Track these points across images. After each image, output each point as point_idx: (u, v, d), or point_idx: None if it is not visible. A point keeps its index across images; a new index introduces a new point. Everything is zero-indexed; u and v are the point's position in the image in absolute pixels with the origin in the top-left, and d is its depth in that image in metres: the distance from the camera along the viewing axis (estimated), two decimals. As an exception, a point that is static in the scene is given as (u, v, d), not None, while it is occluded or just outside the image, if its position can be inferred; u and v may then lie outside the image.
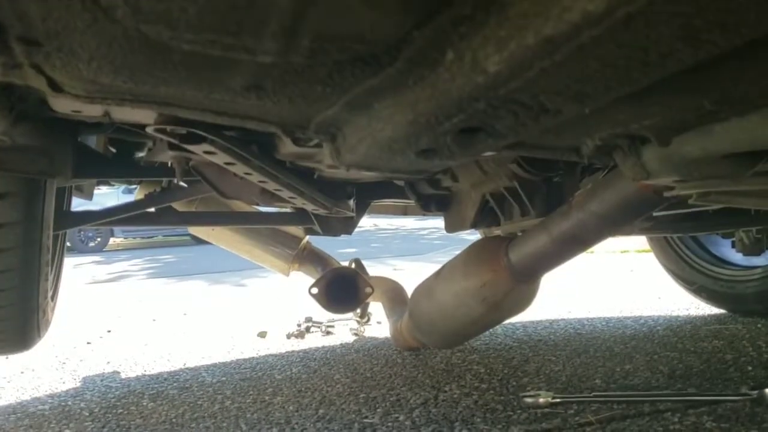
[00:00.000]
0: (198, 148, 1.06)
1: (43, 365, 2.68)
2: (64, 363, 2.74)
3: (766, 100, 0.70)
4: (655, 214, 1.82)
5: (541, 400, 1.59)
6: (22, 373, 2.54)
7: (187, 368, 2.50)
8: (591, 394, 1.64)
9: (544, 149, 0.96)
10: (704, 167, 0.87)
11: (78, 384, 2.33)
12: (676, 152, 0.84)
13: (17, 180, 1.36)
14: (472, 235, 2.59)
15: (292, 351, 2.72)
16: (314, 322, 3.31)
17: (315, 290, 2.37)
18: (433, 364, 2.19)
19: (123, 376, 2.43)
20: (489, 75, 0.55)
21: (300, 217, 2.11)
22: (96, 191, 2.28)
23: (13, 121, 1.07)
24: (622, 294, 3.88)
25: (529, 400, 1.61)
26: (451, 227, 2.05)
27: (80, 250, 13.02)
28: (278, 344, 2.92)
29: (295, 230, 2.61)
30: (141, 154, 1.83)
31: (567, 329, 2.75)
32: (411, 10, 0.52)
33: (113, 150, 1.87)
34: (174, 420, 1.75)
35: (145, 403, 1.96)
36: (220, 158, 1.12)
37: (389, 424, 1.58)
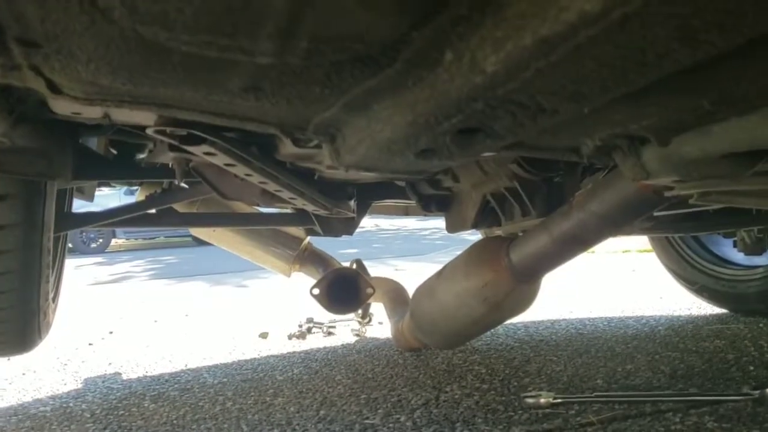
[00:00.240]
0: (198, 150, 1.06)
1: (44, 366, 2.69)
2: (65, 364, 2.74)
3: (764, 100, 0.70)
4: (655, 214, 1.82)
5: (543, 400, 1.59)
6: (23, 374, 2.55)
7: (188, 369, 2.50)
8: (592, 395, 1.63)
9: (543, 150, 0.96)
10: (704, 167, 0.87)
11: (79, 385, 2.33)
12: (676, 152, 0.84)
13: (17, 182, 1.36)
14: (474, 236, 2.58)
15: (294, 352, 2.72)
16: (316, 323, 3.31)
17: (316, 291, 2.36)
18: (435, 364, 2.19)
19: (124, 377, 2.43)
20: (487, 75, 0.55)
21: (301, 217, 2.11)
22: (98, 192, 2.28)
23: (13, 123, 1.07)
24: (623, 294, 3.88)
25: (530, 400, 1.61)
26: (452, 227, 2.05)
27: (82, 251, 13.04)
28: (280, 345, 2.92)
29: (296, 231, 2.62)
30: (142, 156, 1.83)
31: (569, 329, 2.75)
32: (408, 10, 0.52)
33: (114, 152, 1.87)
34: (175, 421, 1.75)
35: (146, 405, 1.96)
36: (220, 159, 1.12)
37: (390, 425, 1.58)
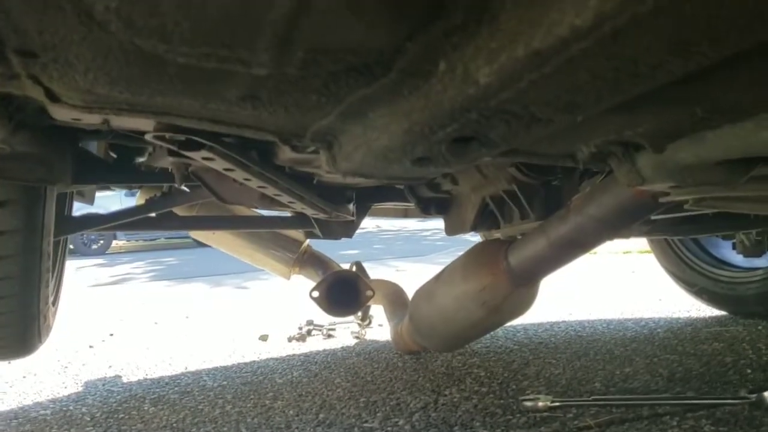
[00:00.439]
0: (197, 155, 1.06)
1: (45, 369, 2.69)
2: (66, 367, 2.74)
3: (757, 108, 0.70)
4: (654, 217, 1.82)
5: (540, 403, 1.59)
6: (24, 377, 2.55)
7: (188, 372, 2.50)
8: (590, 398, 1.64)
9: (539, 156, 0.97)
10: (698, 173, 0.88)
11: (80, 388, 2.34)
12: (670, 159, 0.84)
13: (17, 188, 1.36)
14: (475, 237, 2.59)
15: (293, 354, 2.73)
16: (315, 325, 3.31)
17: (316, 294, 2.37)
18: (434, 367, 2.19)
19: (124, 380, 2.44)
20: (480, 86, 0.55)
21: (300, 220, 2.12)
22: (99, 194, 2.29)
23: (12, 130, 1.08)
24: (623, 295, 3.88)
25: (528, 404, 1.61)
26: (451, 230, 2.06)
27: (83, 252, 13.06)
28: (279, 347, 2.93)
29: (296, 234, 2.62)
30: (142, 159, 1.84)
31: (568, 332, 2.75)
32: (403, 21, 0.52)
33: (114, 155, 1.88)
34: (175, 425, 1.76)
35: (146, 408, 1.96)
36: (219, 164, 1.13)
37: (389, 428, 1.58)
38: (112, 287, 7.27)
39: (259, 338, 3.19)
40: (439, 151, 0.75)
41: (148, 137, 1.00)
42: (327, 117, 0.75)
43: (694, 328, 2.62)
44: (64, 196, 1.92)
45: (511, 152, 0.91)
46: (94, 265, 10.57)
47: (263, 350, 2.88)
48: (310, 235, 2.34)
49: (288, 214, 2.14)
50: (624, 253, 6.92)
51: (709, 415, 1.47)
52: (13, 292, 1.52)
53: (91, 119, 1.01)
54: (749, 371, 1.85)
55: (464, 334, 1.73)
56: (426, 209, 2.00)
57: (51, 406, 2.10)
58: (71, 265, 8.42)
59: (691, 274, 2.90)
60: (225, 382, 2.25)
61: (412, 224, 15.22)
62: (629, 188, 1.16)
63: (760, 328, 2.47)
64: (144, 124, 1.00)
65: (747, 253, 2.58)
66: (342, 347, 2.82)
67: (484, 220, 1.86)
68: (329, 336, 3.14)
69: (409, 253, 9.75)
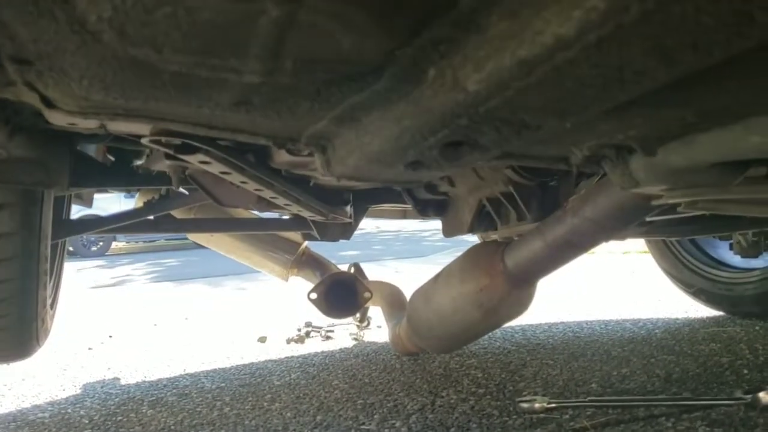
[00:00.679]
0: (193, 158, 1.07)
1: (44, 372, 2.70)
2: (65, 369, 2.75)
3: (747, 111, 0.71)
4: (651, 218, 1.83)
5: (537, 405, 1.60)
6: (22, 380, 2.55)
7: (186, 374, 2.51)
8: (587, 399, 1.64)
9: (532, 159, 0.97)
10: (691, 176, 0.88)
11: (78, 391, 2.34)
12: (663, 162, 0.85)
13: (14, 191, 1.37)
14: (474, 238, 2.60)
15: (292, 356, 2.73)
16: (314, 327, 3.31)
17: (314, 295, 2.37)
18: (431, 369, 2.20)
19: (123, 382, 2.44)
20: (469, 93, 0.56)
21: (298, 222, 2.12)
22: (97, 195, 2.29)
23: (9, 134, 1.09)
24: (622, 296, 3.89)
25: (524, 405, 1.62)
26: (448, 232, 2.06)
27: (83, 254, 13.06)
28: (278, 349, 2.93)
29: (294, 235, 2.63)
30: (139, 162, 1.84)
31: (566, 332, 2.75)
32: (391, 32, 0.53)
33: (112, 158, 1.88)
34: (173, 427, 1.76)
35: (144, 410, 1.97)
36: (216, 168, 1.13)
37: (386, 430, 1.59)
38: (111, 289, 7.27)
39: (258, 340, 3.20)
40: (432, 156, 0.76)
41: (144, 141, 1.01)
42: (320, 122, 0.76)
43: (691, 328, 2.62)
44: (62, 198, 1.93)
45: (505, 156, 0.92)
46: (94, 266, 10.57)
47: (261, 352, 2.88)
48: (308, 236, 2.34)
49: (285, 216, 2.15)
50: (623, 253, 6.92)
51: (704, 416, 1.47)
52: (11, 294, 1.52)
53: (88, 124, 1.01)
54: (746, 372, 1.86)
55: (462, 335, 1.74)
56: (423, 211, 2.01)
57: (49, 408, 2.10)
58: (70, 267, 8.43)
59: (689, 274, 2.90)
60: (223, 384, 2.26)
61: (412, 225, 15.22)
62: (623, 190, 1.17)
63: (757, 328, 2.48)
64: (140, 128, 1.01)
65: (744, 254, 2.59)
66: (340, 349, 2.82)
67: (481, 221, 1.86)
68: (328, 338, 3.15)
69: (409, 253, 9.76)
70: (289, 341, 3.11)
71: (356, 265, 2.71)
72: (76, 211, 2.11)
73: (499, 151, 0.74)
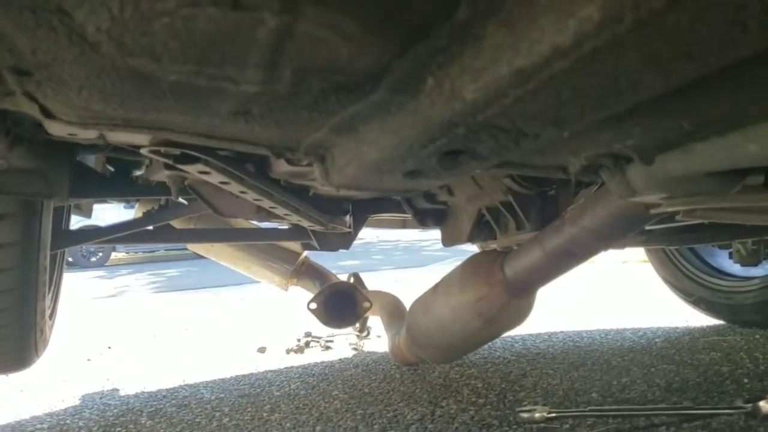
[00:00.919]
0: (192, 168, 1.07)
1: (43, 383, 2.69)
2: (64, 380, 2.74)
3: (745, 120, 0.71)
4: (650, 227, 1.83)
5: (537, 415, 1.59)
6: (21, 391, 2.55)
7: (186, 385, 2.50)
8: (587, 409, 1.64)
9: (531, 168, 0.98)
10: (688, 185, 0.88)
11: (77, 402, 2.33)
12: (660, 170, 0.85)
13: (14, 201, 1.37)
14: (474, 247, 2.59)
15: (291, 366, 2.73)
16: (314, 337, 3.31)
17: (313, 305, 2.37)
18: (431, 378, 2.19)
19: (122, 393, 2.44)
20: (467, 102, 0.56)
21: (297, 232, 2.12)
22: (97, 205, 2.29)
23: (9, 144, 1.09)
24: (621, 305, 3.88)
25: (524, 415, 1.61)
26: (447, 241, 2.06)
27: (82, 265, 13.04)
28: (278, 359, 2.93)
29: (294, 245, 2.63)
30: (139, 173, 1.85)
31: (566, 342, 2.75)
32: (388, 42, 0.53)
33: (111, 169, 1.89)
34: (172, 437, 1.76)
35: (143, 421, 1.96)
36: (215, 178, 1.13)
37: (386, 440, 1.58)
38: (111, 300, 7.26)
39: (258, 350, 3.19)
40: (430, 165, 0.76)
41: (143, 151, 1.01)
42: (319, 131, 0.76)
43: (691, 337, 2.62)
44: (62, 209, 1.93)
45: (503, 165, 0.92)
46: (94, 277, 10.56)
47: (261, 362, 2.87)
48: (308, 246, 2.34)
49: (285, 226, 2.15)
50: (623, 262, 6.91)
51: (705, 425, 1.47)
52: (10, 305, 1.52)
53: (87, 134, 1.02)
54: (746, 381, 1.85)
55: (461, 345, 1.73)
56: (423, 220, 2.01)
57: (48, 420, 2.10)
58: (70, 278, 8.41)
59: (689, 283, 2.90)
60: (222, 395, 2.25)
61: (411, 234, 15.21)
62: (622, 199, 1.17)
63: (757, 337, 2.48)
64: (139, 138, 1.01)
65: (744, 262, 2.59)
66: (340, 359, 2.81)
67: (480, 230, 1.86)
68: (327, 348, 3.14)
69: (408, 263, 9.75)
70: (288, 351, 3.10)
71: (356, 275, 2.71)
72: (76, 222, 2.11)
73: (497, 159, 0.74)
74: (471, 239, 1.89)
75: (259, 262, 2.62)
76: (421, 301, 1.83)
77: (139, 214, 2.14)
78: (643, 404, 1.69)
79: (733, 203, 1.03)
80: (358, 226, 2.06)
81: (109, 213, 6.88)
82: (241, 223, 2.37)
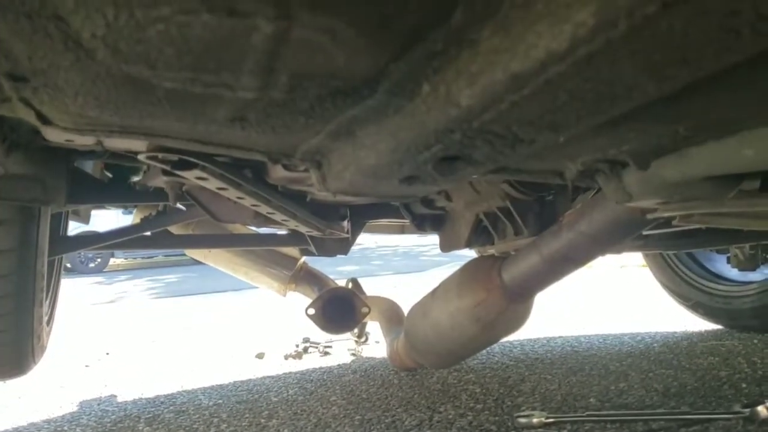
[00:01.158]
0: (190, 174, 1.07)
1: (41, 389, 2.68)
2: (61, 387, 2.73)
3: (740, 124, 0.71)
4: (648, 231, 1.83)
5: (535, 420, 1.59)
6: (19, 397, 2.54)
7: (184, 391, 2.49)
8: (585, 414, 1.64)
9: (527, 173, 0.98)
10: (684, 189, 0.88)
11: (75, 408, 2.33)
12: (656, 175, 0.85)
13: (11, 207, 1.37)
14: (472, 252, 2.59)
15: (289, 372, 2.72)
16: (312, 343, 3.30)
17: (311, 311, 2.37)
18: (429, 384, 2.19)
19: (120, 399, 2.43)
20: (462, 107, 0.56)
21: (296, 238, 2.12)
22: (95, 211, 2.29)
23: (7, 151, 1.09)
24: (619, 310, 3.88)
25: (522, 420, 1.61)
26: (445, 246, 2.06)
27: (80, 271, 13.02)
28: (276, 365, 2.92)
29: (292, 251, 2.62)
30: (137, 179, 1.85)
31: (564, 347, 2.75)
32: (384, 47, 0.53)
33: (109, 175, 1.89)
34: (169, 444, 1.75)
35: (141, 428, 1.95)
36: (212, 184, 1.13)
37: (384, 445, 1.58)
38: (109, 305, 7.24)
39: (256, 356, 3.18)
40: (426, 170, 0.76)
41: (141, 157, 1.01)
42: (316, 137, 0.76)
43: (690, 342, 2.62)
44: (59, 215, 1.93)
45: (500, 170, 0.92)
46: (92, 283, 10.54)
47: (259, 368, 2.87)
48: (306, 252, 2.34)
49: (283, 231, 2.15)
50: (621, 267, 6.91)
51: (702, 430, 1.47)
52: (7, 311, 1.52)
53: (84, 140, 1.02)
54: (744, 385, 1.85)
55: (459, 350, 1.73)
56: (420, 226, 2.01)
57: (45, 426, 2.09)
58: (68, 284, 8.40)
59: (687, 288, 2.90)
60: (220, 401, 2.24)
61: (410, 240, 15.21)
62: (619, 205, 1.17)
63: (755, 341, 2.48)
64: (136, 144, 1.01)
65: (741, 267, 2.59)
66: (338, 364, 2.81)
67: (478, 236, 1.86)
68: (326, 353, 3.14)
69: (407, 268, 9.74)
70: (287, 357, 3.09)
71: (354, 280, 2.71)
72: (74, 228, 2.11)
73: (493, 165, 0.74)
74: (469, 244, 1.89)
75: (257, 268, 2.62)
76: (419, 307, 1.83)
77: (137, 220, 2.14)
78: (641, 409, 1.69)
79: (730, 208, 1.03)
80: (356, 231, 2.06)
81: (106, 219, 6.87)
82: (239, 228, 2.37)
